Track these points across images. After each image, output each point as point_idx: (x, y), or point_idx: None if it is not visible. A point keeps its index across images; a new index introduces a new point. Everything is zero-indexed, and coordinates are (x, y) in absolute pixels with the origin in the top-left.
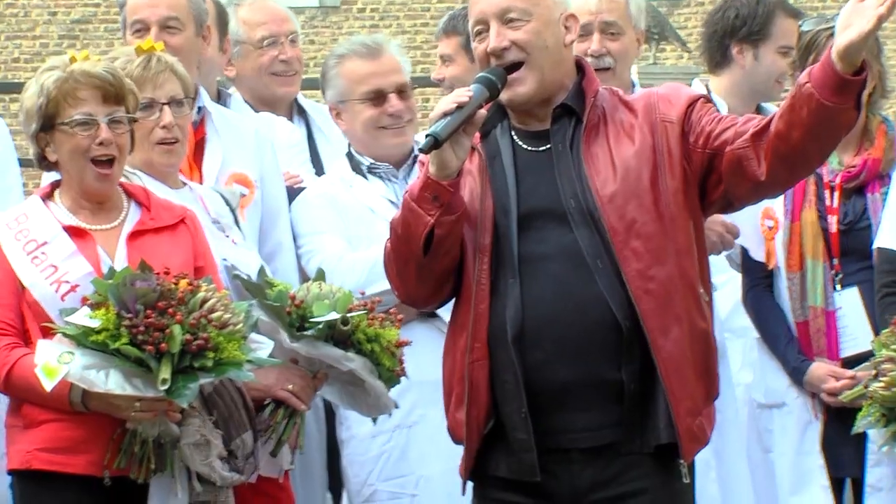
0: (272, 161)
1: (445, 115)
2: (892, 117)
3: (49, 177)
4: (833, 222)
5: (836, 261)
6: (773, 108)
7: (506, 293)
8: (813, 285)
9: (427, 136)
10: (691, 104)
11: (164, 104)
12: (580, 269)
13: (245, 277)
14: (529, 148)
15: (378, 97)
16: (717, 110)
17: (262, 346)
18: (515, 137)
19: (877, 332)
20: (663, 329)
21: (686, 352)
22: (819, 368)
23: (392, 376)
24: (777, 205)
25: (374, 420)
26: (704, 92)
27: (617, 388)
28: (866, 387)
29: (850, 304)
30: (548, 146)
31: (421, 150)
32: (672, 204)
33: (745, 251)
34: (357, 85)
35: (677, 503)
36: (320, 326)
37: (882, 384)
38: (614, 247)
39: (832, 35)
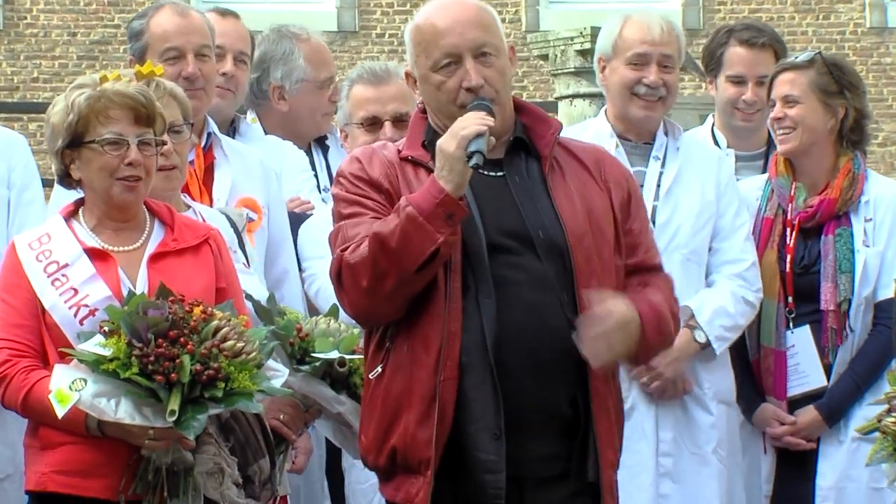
0: (277, 190)
1: (480, 135)
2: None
3: (65, 195)
4: (788, 262)
5: (790, 299)
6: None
7: (478, 313)
8: (766, 324)
9: (475, 153)
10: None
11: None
12: (549, 298)
13: (257, 300)
14: (484, 173)
15: (374, 123)
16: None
17: (277, 375)
18: None
19: (829, 371)
20: (605, 379)
21: (613, 407)
22: (766, 410)
23: None
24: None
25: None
26: (709, 132)
27: (568, 421)
28: (879, 420)
29: (802, 343)
30: (501, 173)
31: (475, 167)
32: (622, 266)
33: None
34: (357, 110)
35: None
36: (317, 364)
37: (894, 419)
38: (577, 284)
39: None
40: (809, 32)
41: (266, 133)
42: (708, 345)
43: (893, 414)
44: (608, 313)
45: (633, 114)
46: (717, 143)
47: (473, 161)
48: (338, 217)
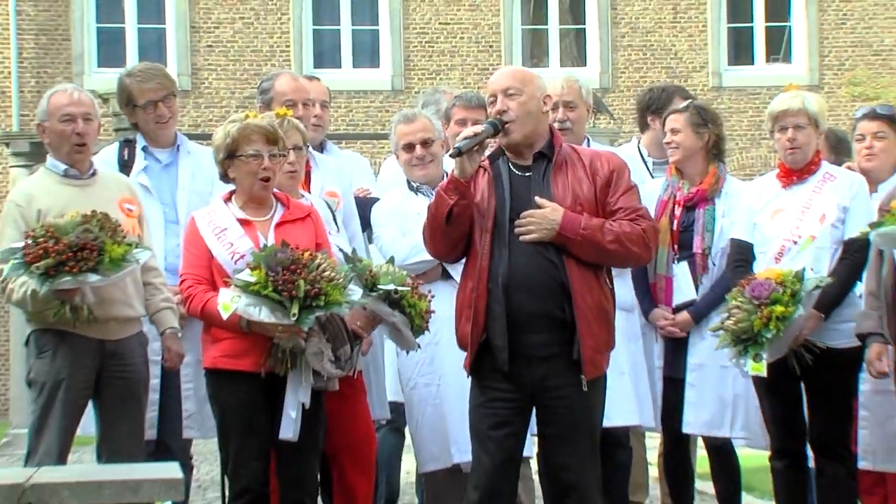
0: (348, 185)
1: (466, 138)
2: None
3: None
4: (675, 224)
5: (676, 246)
6: None
7: (500, 258)
8: (660, 260)
9: (455, 147)
10: (613, 170)
11: (290, 149)
12: (542, 249)
13: (345, 251)
14: (518, 173)
15: (409, 147)
16: (629, 178)
17: (354, 293)
18: (510, 166)
19: (698, 291)
20: (583, 294)
21: (594, 312)
22: (657, 313)
23: (420, 330)
24: (651, 211)
25: (407, 352)
26: (636, 149)
27: (559, 321)
28: (722, 323)
29: (682, 272)
30: (528, 174)
31: (451, 156)
32: None
33: None
34: (400, 139)
35: (583, 398)
36: (380, 292)
37: (732, 321)
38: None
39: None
40: None
41: None
42: None
43: (731, 318)
44: (537, 209)
45: None
46: (641, 153)
47: (451, 153)
48: None
